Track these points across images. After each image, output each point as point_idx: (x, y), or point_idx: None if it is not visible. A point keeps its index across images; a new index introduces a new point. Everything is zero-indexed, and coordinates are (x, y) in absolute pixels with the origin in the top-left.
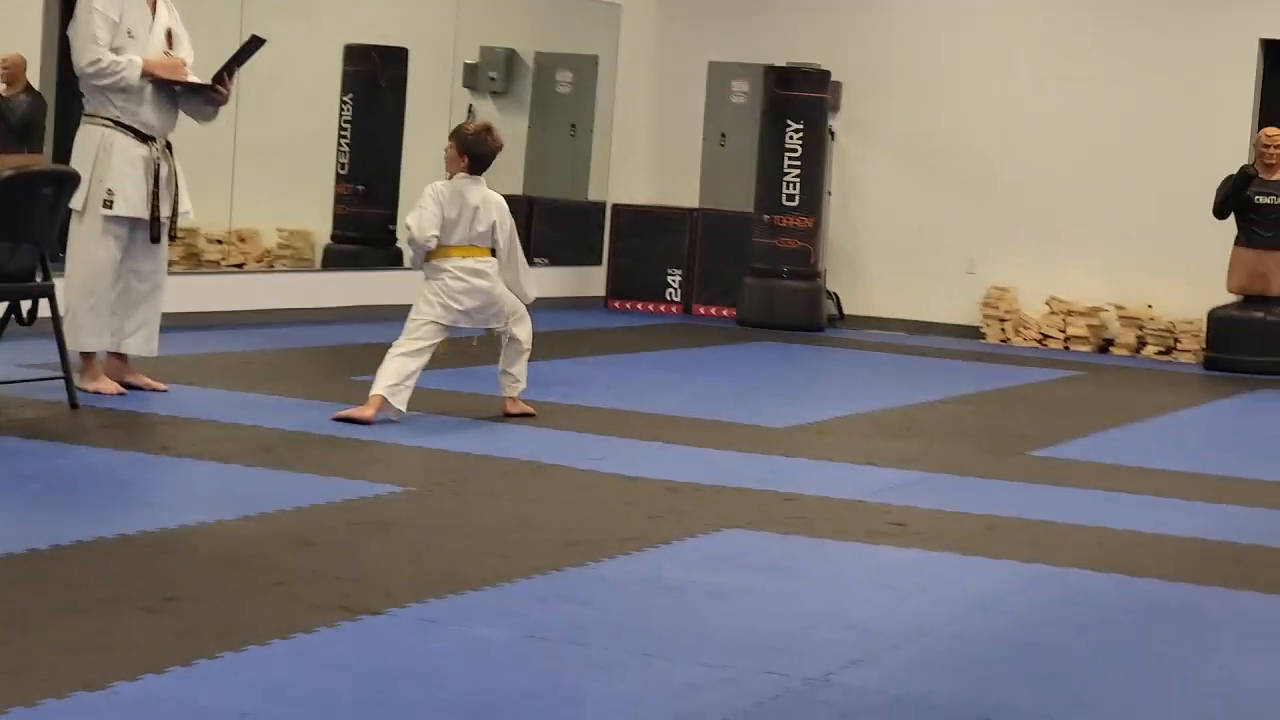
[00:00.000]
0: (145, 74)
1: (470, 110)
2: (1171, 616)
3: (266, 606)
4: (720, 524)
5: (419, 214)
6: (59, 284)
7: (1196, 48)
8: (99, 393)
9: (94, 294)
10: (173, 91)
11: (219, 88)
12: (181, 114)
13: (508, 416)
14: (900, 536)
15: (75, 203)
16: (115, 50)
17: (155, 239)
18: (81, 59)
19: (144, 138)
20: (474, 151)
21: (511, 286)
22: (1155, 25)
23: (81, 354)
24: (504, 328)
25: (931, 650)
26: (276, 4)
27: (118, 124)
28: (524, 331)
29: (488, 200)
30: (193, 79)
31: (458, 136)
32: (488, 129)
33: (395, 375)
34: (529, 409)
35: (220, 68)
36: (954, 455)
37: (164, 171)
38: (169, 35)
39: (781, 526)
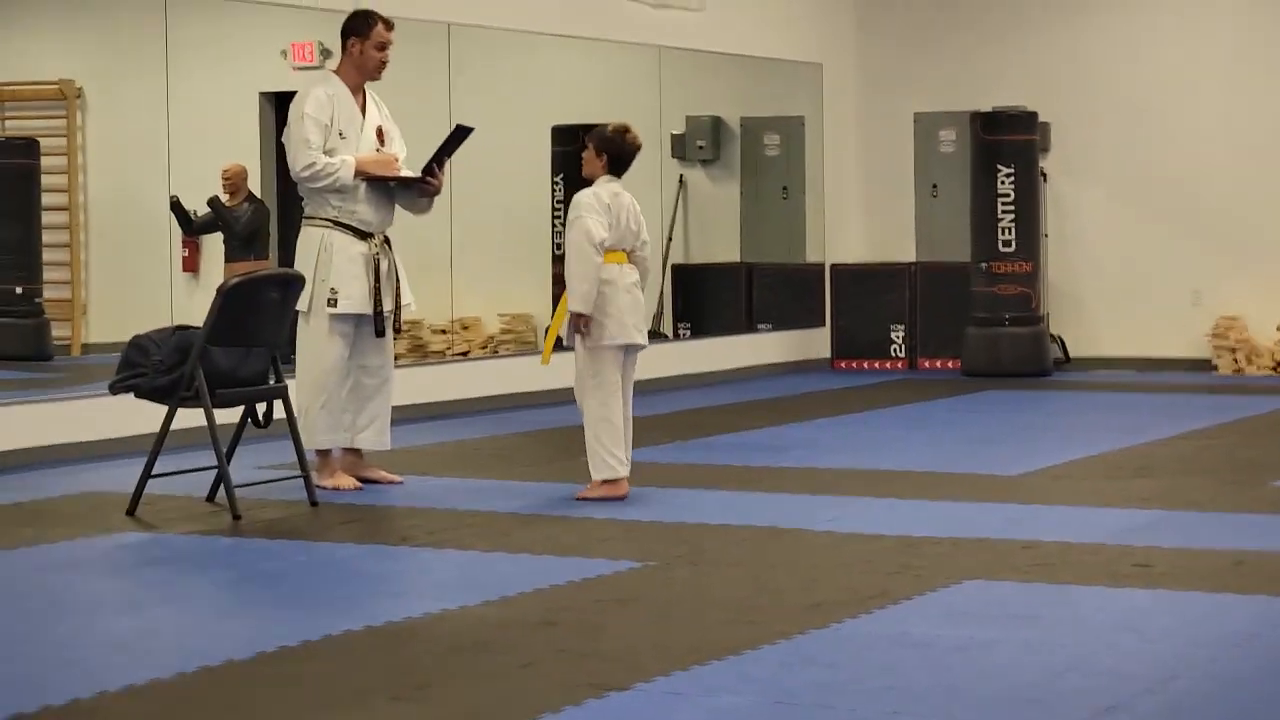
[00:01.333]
0: (358, 173)
1: (681, 180)
2: None
3: (514, 689)
4: (961, 576)
5: (587, 223)
6: (291, 385)
7: None
8: (337, 489)
9: (325, 392)
10: (387, 187)
11: (430, 179)
12: (398, 208)
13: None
14: (1145, 578)
15: (301, 304)
16: (328, 152)
17: (380, 333)
18: (296, 164)
19: (363, 235)
20: (612, 150)
21: None
22: None
23: (318, 452)
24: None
25: (1187, 693)
26: (483, 90)
27: (336, 223)
28: None
29: (634, 202)
30: (405, 173)
31: (595, 136)
32: (625, 129)
33: (608, 446)
34: None
35: (430, 159)
36: (1194, 491)
37: (384, 266)
38: (379, 132)
39: (1023, 575)
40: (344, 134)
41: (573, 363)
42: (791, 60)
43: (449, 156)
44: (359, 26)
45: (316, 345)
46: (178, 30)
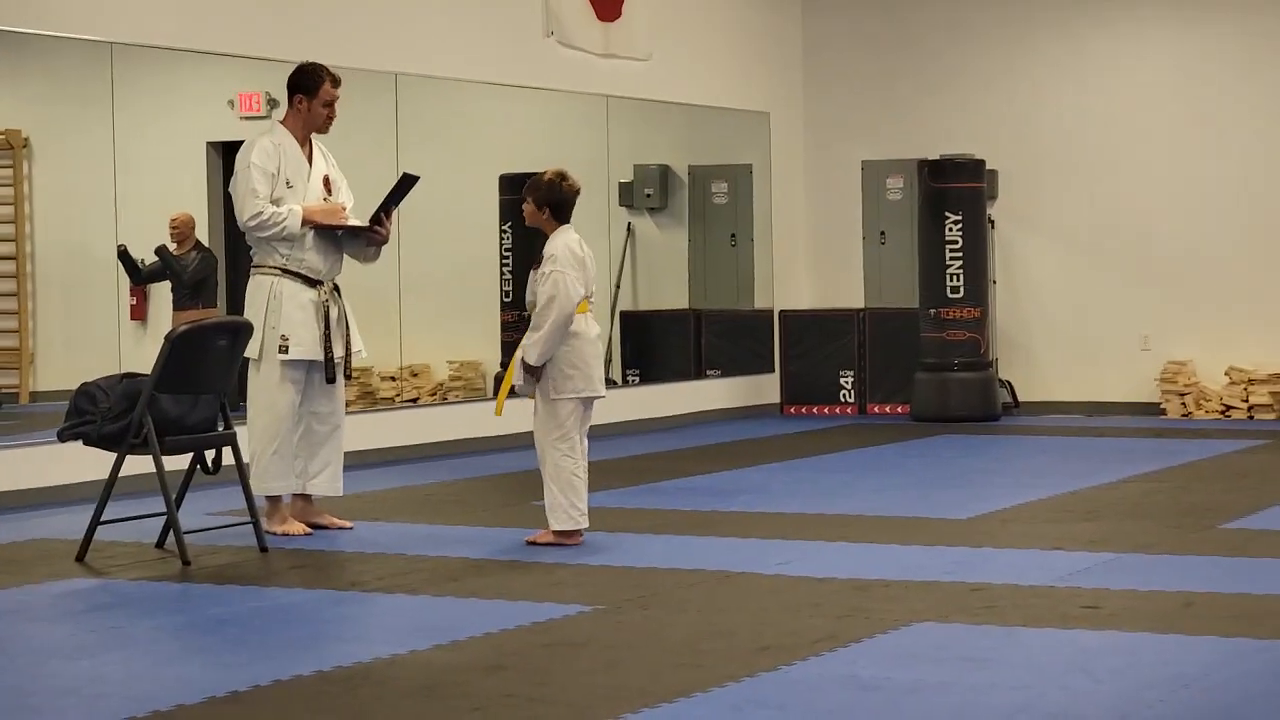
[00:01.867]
0: (305, 222)
1: (629, 228)
2: None
3: None
4: (910, 619)
5: (566, 280)
6: (241, 432)
7: None
8: (287, 534)
9: (276, 438)
10: (335, 235)
11: (377, 228)
12: (346, 256)
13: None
14: (1094, 620)
15: (251, 351)
16: (275, 201)
17: (331, 380)
18: (243, 213)
19: (311, 282)
20: (553, 199)
21: None
22: None
23: (268, 498)
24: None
25: None
26: (431, 140)
27: (285, 271)
28: None
29: (588, 248)
30: (352, 222)
31: (533, 188)
32: (562, 175)
33: (570, 498)
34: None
35: (377, 208)
36: (1142, 534)
37: (334, 313)
38: (326, 181)
39: (973, 617)
40: (291, 183)
41: (524, 409)
42: (739, 109)
43: (396, 205)
44: (306, 84)
45: (268, 392)
46: (124, 80)
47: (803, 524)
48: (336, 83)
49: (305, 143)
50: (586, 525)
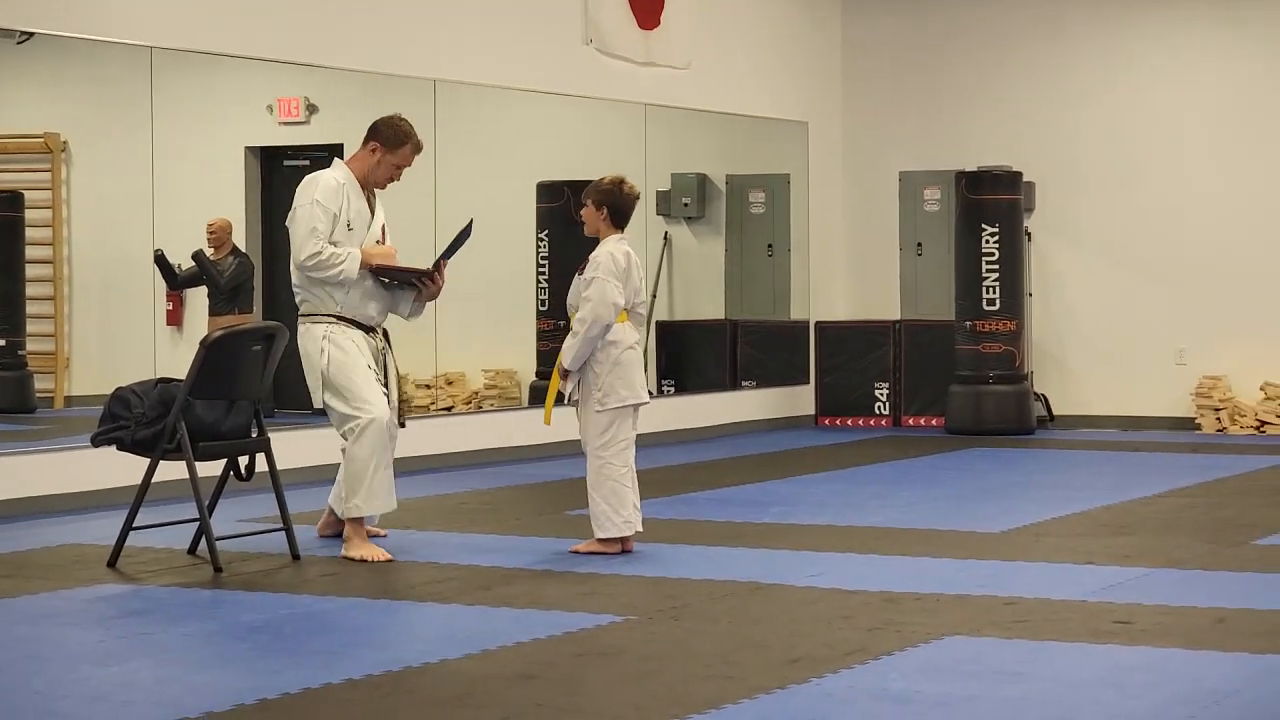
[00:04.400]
0: (364, 265)
1: (666, 237)
2: None
3: None
4: (942, 632)
5: (607, 288)
6: (273, 438)
7: None
8: (371, 559)
9: (375, 453)
10: (384, 284)
11: (435, 274)
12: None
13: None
14: (1126, 635)
15: (316, 401)
16: (333, 243)
17: (401, 425)
18: (301, 251)
19: (365, 329)
20: (612, 203)
21: None
22: None
23: (350, 520)
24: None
25: None
26: (469, 147)
27: (339, 319)
28: None
29: (636, 258)
30: (413, 265)
31: (593, 191)
32: (621, 180)
33: (614, 506)
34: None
35: (438, 256)
36: (1176, 549)
37: (390, 363)
38: (384, 231)
39: (1004, 631)
40: (351, 225)
41: (561, 418)
42: (777, 119)
43: (451, 256)
44: (390, 139)
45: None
46: (163, 84)
47: (835, 536)
48: (418, 150)
49: (366, 186)
50: (631, 532)
